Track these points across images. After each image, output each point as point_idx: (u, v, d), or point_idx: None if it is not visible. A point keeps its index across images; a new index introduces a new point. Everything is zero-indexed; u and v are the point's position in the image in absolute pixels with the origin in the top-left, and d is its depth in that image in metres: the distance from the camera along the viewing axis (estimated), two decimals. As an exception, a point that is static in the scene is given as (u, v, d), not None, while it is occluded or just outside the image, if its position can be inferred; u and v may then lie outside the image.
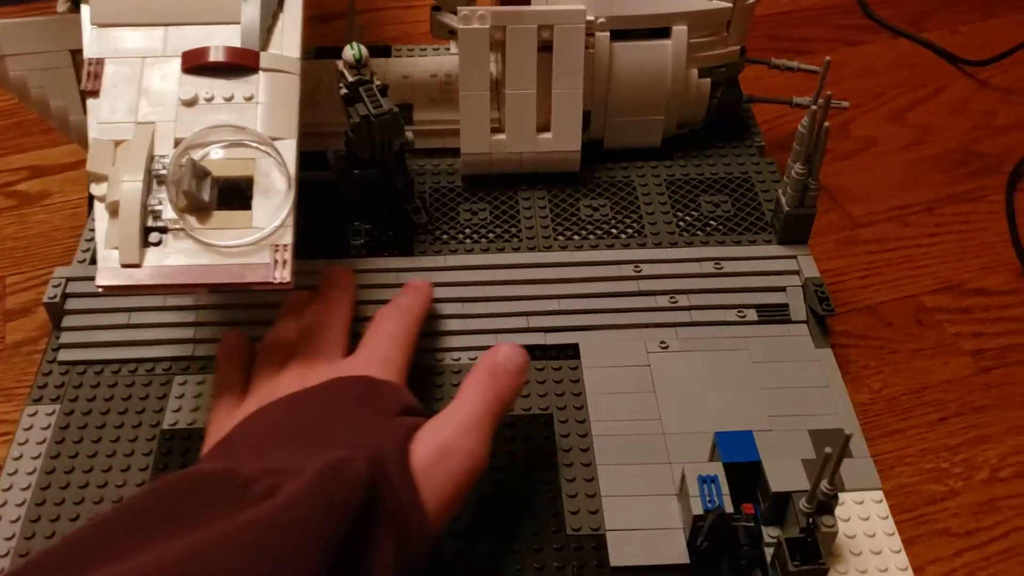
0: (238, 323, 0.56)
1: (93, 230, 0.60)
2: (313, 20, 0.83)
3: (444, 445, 0.42)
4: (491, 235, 0.61)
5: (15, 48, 0.57)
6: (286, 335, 0.51)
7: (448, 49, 0.72)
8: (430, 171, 0.65)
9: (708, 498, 0.46)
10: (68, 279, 0.57)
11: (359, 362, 0.47)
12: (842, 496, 0.49)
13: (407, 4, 0.85)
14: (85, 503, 0.49)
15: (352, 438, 0.41)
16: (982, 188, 0.69)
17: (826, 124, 0.53)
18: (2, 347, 0.59)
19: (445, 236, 0.61)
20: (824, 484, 0.44)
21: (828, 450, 0.43)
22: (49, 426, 0.52)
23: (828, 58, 0.53)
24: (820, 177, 0.56)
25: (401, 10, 0.84)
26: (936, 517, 0.51)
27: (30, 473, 0.50)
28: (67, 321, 0.56)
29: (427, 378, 0.54)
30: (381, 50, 0.74)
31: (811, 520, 0.45)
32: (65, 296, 0.57)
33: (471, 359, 0.55)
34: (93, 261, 0.59)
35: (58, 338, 0.56)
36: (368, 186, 0.59)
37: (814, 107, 0.53)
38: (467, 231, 0.61)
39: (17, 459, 0.51)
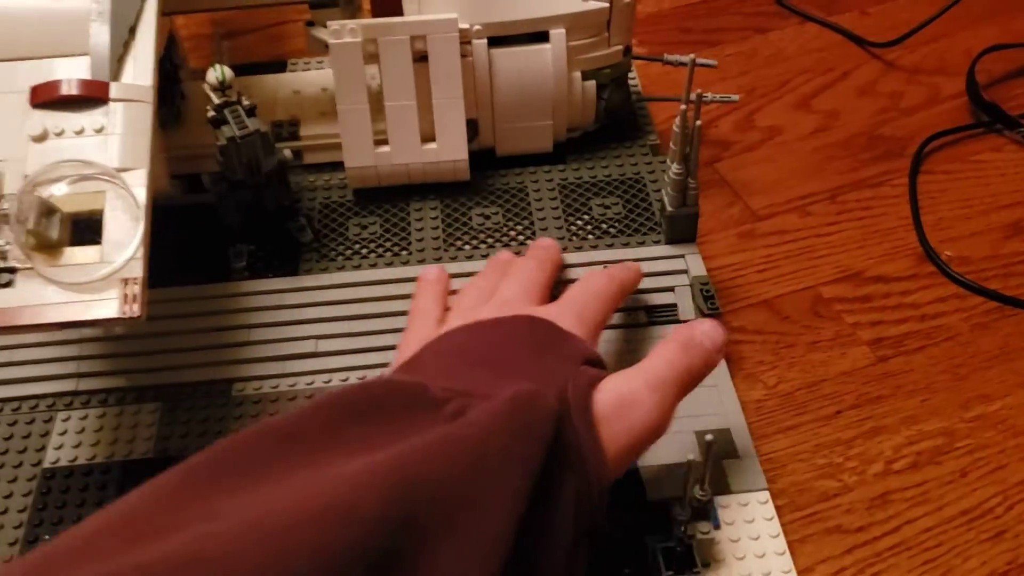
0: (123, 354, 0.55)
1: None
2: (224, 37, 0.82)
3: (627, 396, 0.41)
4: (380, 249, 0.60)
5: None
6: (489, 278, 0.52)
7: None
8: (320, 186, 0.64)
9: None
10: (-54, 320, 0.56)
11: (555, 309, 0.47)
12: (727, 499, 0.48)
13: (293, 19, 0.84)
14: (-39, 548, 0.48)
15: (539, 375, 0.40)
16: (886, 172, 0.69)
17: (698, 123, 0.53)
18: None
19: (333, 253, 0.60)
20: (697, 490, 0.44)
21: (692, 457, 0.42)
22: (-78, 476, 0.52)
23: (692, 55, 0.52)
24: (722, 170, 0.55)
25: (286, 26, 0.83)
26: (828, 515, 0.50)
27: (-94, 522, 0.49)
28: (-59, 362, 0.55)
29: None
30: (277, 66, 0.73)
31: (685, 528, 0.44)
32: (-59, 337, 0.56)
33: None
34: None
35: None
36: (248, 207, 0.58)
37: (683, 107, 0.52)
38: (356, 246, 0.60)
39: None
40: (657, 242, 0.59)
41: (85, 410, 0.54)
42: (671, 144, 0.54)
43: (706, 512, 0.45)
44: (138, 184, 0.46)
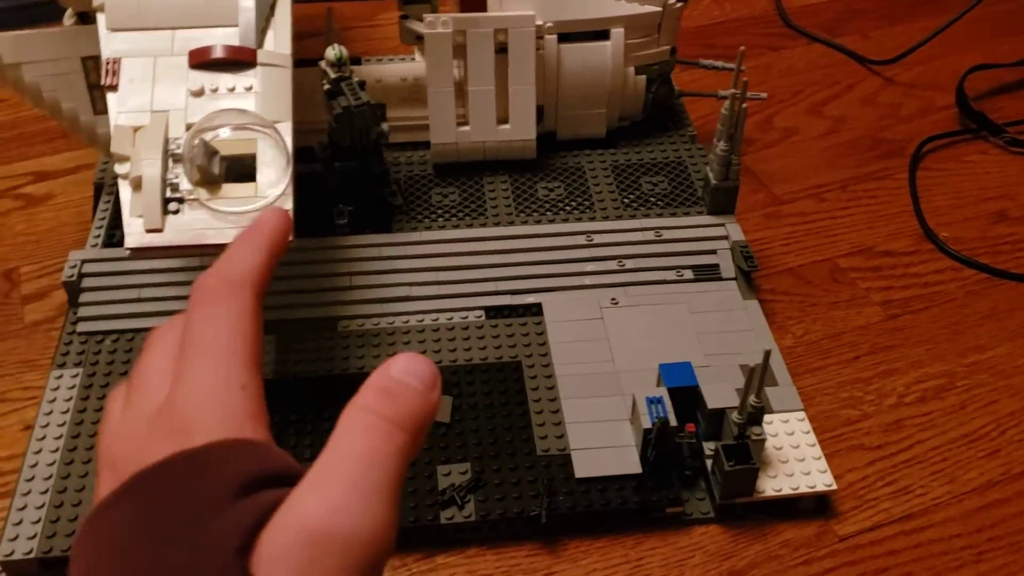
0: (239, 293, 0.63)
1: (103, 219, 0.68)
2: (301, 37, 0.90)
3: (315, 532, 0.26)
4: (460, 214, 0.69)
5: (30, 56, 0.64)
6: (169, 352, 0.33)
7: (413, 58, 0.81)
8: (404, 162, 0.73)
9: (655, 415, 0.54)
10: (83, 260, 0.64)
11: (181, 407, 0.30)
12: (769, 417, 0.57)
13: (373, 23, 0.93)
14: (110, 449, 0.56)
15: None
16: (889, 168, 0.79)
17: (744, 106, 0.62)
18: (22, 326, 0.66)
19: (419, 216, 0.69)
20: (752, 398, 0.53)
21: (751, 365, 0.51)
22: (74, 386, 0.59)
23: (742, 47, 0.62)
24: (747, 163, 0.65)
25: (368, 28, 0.92)
26: (851, 436, 0.59)
27: (60, 425, 0.57)
28: (84, 297, 0.63)
29: (398, 342, 0.62)
30: (352, 60, 0.82)
31: (742, 429, 0.53)
32: (81, 275, 0.63)
33: (448, 319, 0.63)
34: (106, 244, 0.66)
35: (76, 313, 0.63)
36: (349, 173, 0.67)
37: (734, 91, 0.62)
38: (439, 211, 0.69)
39: (48, 415, 0.57)
40: (700, 213, 0.68)
41: (209, 339, 0.62)
42: (718, 125, 0.64)
43: (758, 418, 0.54)
44: (285, 133, 0.55)
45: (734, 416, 0.53)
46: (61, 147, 0.80)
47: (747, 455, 0.53)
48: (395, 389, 0.30)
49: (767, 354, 0.51)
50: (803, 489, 0.54)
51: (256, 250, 0.35)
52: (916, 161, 0.79)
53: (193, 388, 0.30)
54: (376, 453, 0.28)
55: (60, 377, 0.59)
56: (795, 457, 0.56)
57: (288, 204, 0.53)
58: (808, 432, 0.57)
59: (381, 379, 0.31)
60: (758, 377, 0.51)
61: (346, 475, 0.28)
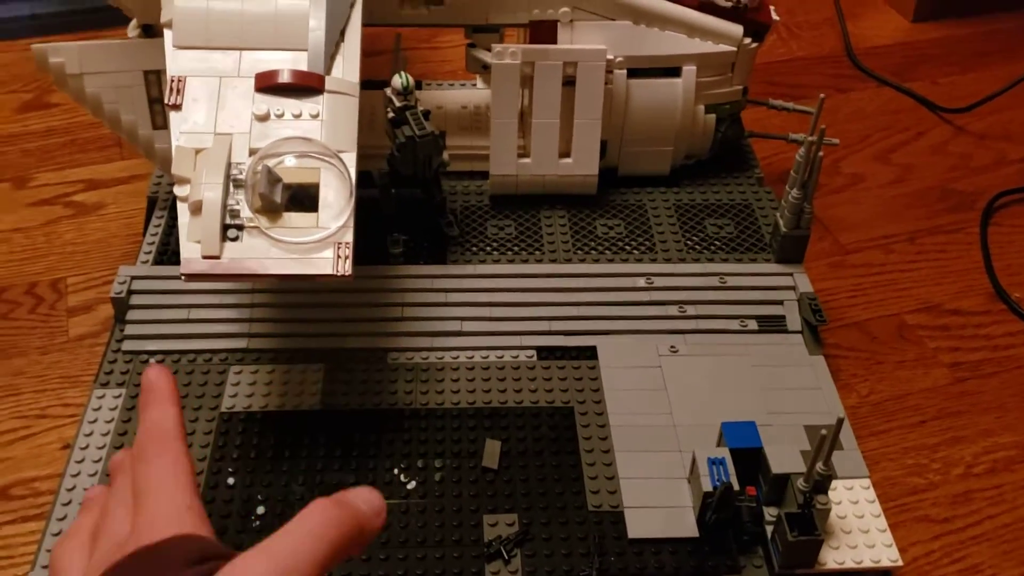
0: (290, 320, 0.62)
1: (155, 235, 0.67)
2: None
3: None
4: (516, 248, 0.67)
5: (92, 67, 0.63)
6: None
7: (475, 84, 0.79)
8: (461, 191, 0.71)
9: (717, 477, 0.52)
10: (132, 277, 0.63)
11: (144, 531, 0.36)
12: (833, 483, 0.55)
13: (433, 46, 0.92)
14: (151, 475, 0.54)
15: None
16: (959, 222, 0.76)
17: (820, 154, 0.60)
18: (66, 340, 0.65)
19: (474, 247, 0.67)
20: (819, 465, 0.50)
21: (823, 431, 0.49)
22: (116, 408, 0.58)
23: (822, 95, 0.60)
24: (814, 209, 0.63)
25: (427, 51, 0.91)
26: (916, 506, 0.57)
27: (100, 448, 0.56)
28: (131, 315, 0.62)
29: (447, 379, 0.60)
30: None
31: (808, 497, 0.51)
32: (130, 292, 0.62)
33: (498, 357, 0.61)
34: (156, 261, 0.65)
35: (122, 330, 0.61)
36: (406, 202, 0.65)
37: (810, 139, 0.60)
38: (494, 244, 0.67)
39: (88, 435, 0.56)
40: (767, 260, 0.66)
41: (256, 365, 0.60)
42: (792, 172, 0.62)
43: (824, 487, 0.51)
44: (349, 164, 0.53)
45: (799, 483, 0.51)
46: (114, 156, 0.79)
47: (811, 525, 0.50)
48: (345, 501, 0.37)
49: (840, 422, 0.49)
50: (867, 563, 0.52)
51: (167, 408, 0.41)
52: (988, 216, 0.76)
53: (152, 518, 0.36)
54: (310, 548, 0.34)
55: (103, 397, 0.58)
56: (859, 528, 0.53)
57: (348, 237, 0.51)
58: (873, 501, 0.54)
59: (339, 495, 0.37)
60: (828, 444, 0.49)
61: (279, 554, 0.34)
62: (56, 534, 0.51)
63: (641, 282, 0.64)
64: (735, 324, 0.63)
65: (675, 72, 0.68)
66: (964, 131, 0.86)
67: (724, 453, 0.53)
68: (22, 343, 0.64)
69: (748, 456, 0.53)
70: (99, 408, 0.58)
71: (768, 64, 0.93)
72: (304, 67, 0.55)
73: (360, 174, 0.64)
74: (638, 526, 0.52)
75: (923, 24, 0.99)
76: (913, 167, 0.82)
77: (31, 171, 0.78)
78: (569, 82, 0.66)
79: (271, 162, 0.52)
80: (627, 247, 0.68)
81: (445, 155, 0.64)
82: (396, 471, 0.55)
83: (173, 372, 0.59)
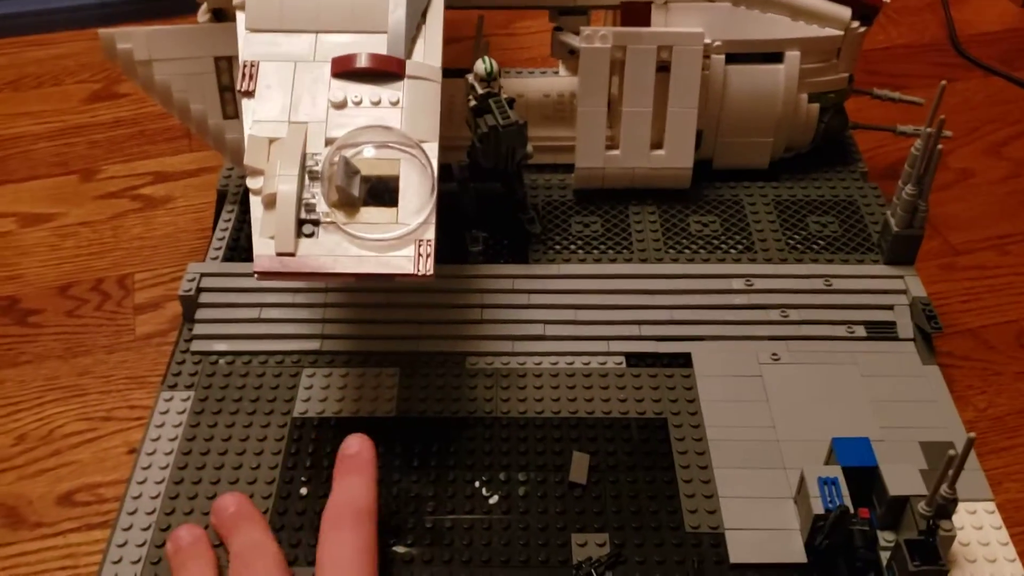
0: (364, 321, 0.59)
1: (226, 230, 0.64)
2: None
3: None
4: (602, 246, 0.63)
5: (162, 54, 0.60)
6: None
7: (556, 72, 0.75)
8: (542, 185, 0.68)
9: (829, 498, 0.47)
10: (202, 274, 0.60)
11: None
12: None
13: (510, 31, 0.88)
14: (221, 483, 0.51)
15: None
16: (1080, 221, 0.70)
17: (939, 147, 0.55)
18: (133, 338, 0.62)
19: (558, 246, 0.63)
20: (944, 488, 0.45)
21: (952, 452, 0.44)
22: (184, 411, 0.55)
23: (943, 82, 0.55)
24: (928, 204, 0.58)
25: (505, 37, 0.87)
26: (1047, 533, 0.52)
27: (168, 454, 0.53)
28: (200, 314, 0.59)
29: (529, 386, 0.56)
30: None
31: (931, 523, 0.46)
32: (199, 290, 0.59)
33: (584, 364, 0.57)
34: (226, 258, 0.62)
35: (191, 329, 0.59)
36: (486, 197, 0.62)
37: (929, 129, 0.55)
38: (579, 242, 0.63)
39: (155, 440, 0.53)
40: (875, 262, 0.61)
41: (329, 368, 0.57)
42: (906, 166, 0.57)
43: (949, 512, 0.46)
44: (431, 155, 0.49)
45: (921, 507, 0.46)
46: (183, 148, 0.77)
47: (935, 554, 0.46)
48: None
49: (970, 442, 0.44)
50: (997, 598, 0.47)
51: (370, 484, 0.45)
52: (1113, 215, 0.70)
53: None
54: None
55: (170, 399, 0.56)
56: (984, 556, 0.48)
57: (430, 234, 0.48)
58: (1000, 528, 0.50)
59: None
60: (957, 466, 0.44)
61: None
62: (121, 544, 0.49)
63: (739, 284, 0.60)
64: (842, 330, 0.58)
65: (777, 58, 0.63)
66: (1083, 123, 0.80)
67: (836, 472, 0.48)
68: (88, 341, 0.62)
69: (861, 475, 0.49)
70: (166, 411, 0.55)
71: (867, 52, 0.86)
72: (383, 51, 0.52)
73: (439, 167, 0.61)
74: (740, 550, 0.48)
75: (1033, 8, 0.93)
76: (1027, 162, 0.76)
77: (99, 163, 0.76)
78: (663, 68, 0.62)
79: (348, 153, 0.49)
80: (723, 246, 0.63)
81: (529, 147, 0.60)
82: (477, 484, 0.51)
83: (243, 375, 0.57)
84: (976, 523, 0.50)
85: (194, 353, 0.58)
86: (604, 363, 0.57)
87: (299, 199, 0.48)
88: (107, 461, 0.55)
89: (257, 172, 0.49)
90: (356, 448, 0.47)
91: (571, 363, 0.58)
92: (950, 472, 0.45)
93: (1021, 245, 0.69)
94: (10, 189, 0.74)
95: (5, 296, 0.65)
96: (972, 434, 0.44)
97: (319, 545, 0.44)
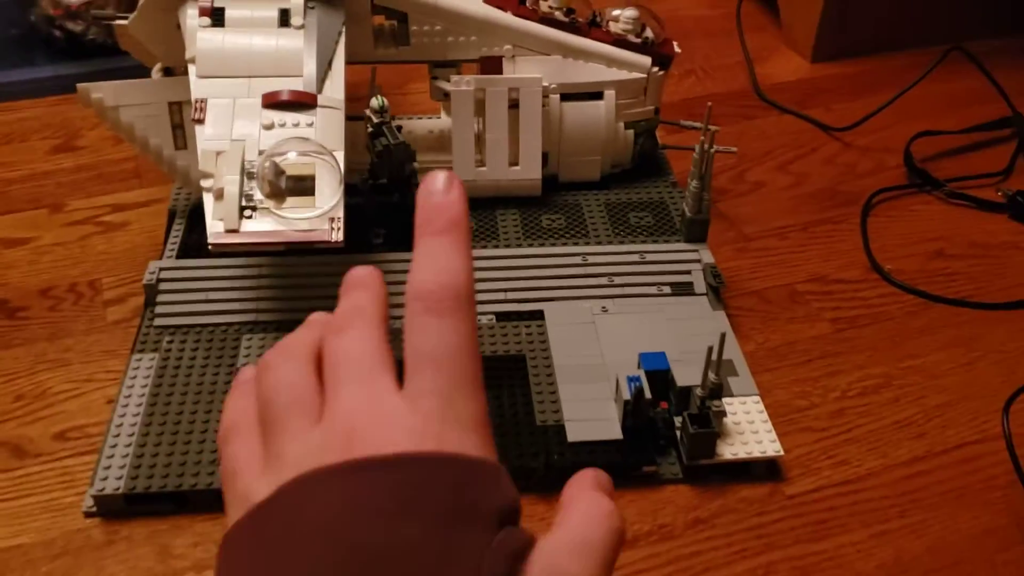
0: (290, 298, 0.76)
1: (177, 237, 0.81)
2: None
3: None
4: (476, 239, 0.82)
5: (126, 101, 0.78)
6: (301, 368, 0.35)
7: (439, 117, 0.95)
8: (428, 198, 0.86)
9: (633, 388, 0.66)
10: (160, 268, 0.76)
11: (425, 410, 0.31)
12: (729, 400, 0.69)
13: (403, 92, 1.07)
14: (181, 427, 0.67)
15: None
16: (844, 214, 0.92)
17: (711, 150, 0.76)
18: (104, 324, 0.78)
19: (441, 240, 0.81)
20: (711, 375, 0.64)
21: (710, 346, 0.63)
22: (151, 368, 0.71)
23: (710, 103, 0.76)
24: (721, 208, 0.78)
25: (400, 96, 1.07)
26: (800, 420, 0.71)
27: (140, 397, 0.69)
28: (160, 298, 0.75)
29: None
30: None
31: (704, 402, 0.65)
32: (158, 280, 0.76)
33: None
34: (179, 256, 0.79)
35: (153, 310, 0.75)
36: (385, 205, 0.80)
37: (702, 137, 0.75)
38: (457, 237, 0.82)
39: (130, 388, 0.69)
40: (678, 241, 0.81)
41: (264, 333, 0.74)
42: (691, 167, 0.77)
43: (717, 393, 0.65)
44: (339, 159, 0.68)
45: (697, 391, 0.65)
46: (135, 185, 0.93)
47: (708, 421, 0.64)
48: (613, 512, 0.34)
49: (723, 336, 0.63)
50: (756, 454, 0.65)
51: (468, 257, 0.35)
52: (868, 209, 0.92)
53: (464, 410, 0.32)
54: (609, 539, 0.32)
55: (140, 360, 0.71)
56: (750, 430, 0.67)
57: (340, 213, 0.66)
58: (762, 412, 0.68)
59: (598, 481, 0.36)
60: (716, 355, 0.63)
61: (591, 542, 0.32)
62: (108, 467, 0.64)
63: (578, 260, 0.79)
64: (653, 290, 0.78)
65: (599, 95, 0.84)
66: (851, 146, 1.02)
67: (640, 374, 0.67)
68: (68, 327, 0.77)
69: (660, 377, 0.67)
70: (137, 368, 0.71)
71: (688, 100, 1.09)
72: (300, 87, 0.71)
73: (348, 186, 0.79)
74: (575, 432, 0.66)
75: (821, 64, 1.17)
76: (807, 175, 0.98)
77: (65, 199, 0.92)
78: (514, 105, 0.82)
79: (277, 158, 0.67)
80: (566, 235, 0.82)
81: (415, 165, 0.79)
82: (381, 403, 0.69)
83: (196, 341, 0.73)
84: (746, 410, 0.68)
85: (157, 327, 0.74)
86: (479, 320, 0.76)
87: (241, 192, 0.65)
88: (91, 408, 0.70)
89: (208, 175, 0.67)
90: (360, 274, 0.38)
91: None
92: (713, 362, 0.64)
93: (797, 232, 0.89)
94: (-10, 222, 0.89)
95: (-5, 300, 0.80)
96: (724, 331, 0.63)
97: (411, 332, 0.34)
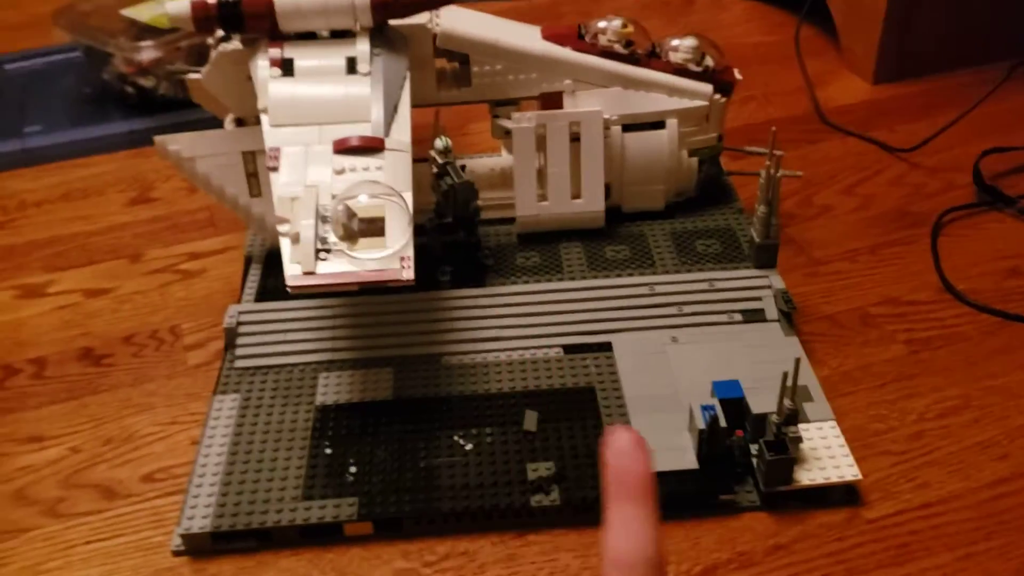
0: (364, 336, 0.77)
1: (254, 282, 0.84)
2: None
3: None
4: (540, 272, 0.83)
5: (202, 152, 0.81)
6: None
7: (500, 155, 0.96)
8: (492, 234, 0.88)
9: (707, 417, 0.65)
10: (240, 312, 0.79)
11: None
12: (805, 425, 0.68)
13: (464, 132, 1.09)
14: (264, 464, 0.68)
15: None
16: (914, 235, 0.91)
17: (779, 174, 0.76)
18: (186, 368, 0.80)
19: (507, 273, 0.83)
20: (786, 401, 0.64)
21: (784, 372, 0.63)
22: (234, 408, 0.73)
23: (773, 128, 0.76)
24: (790, 233, 0.78)
25: (461, 136, 1.09)
26: (878, 444, 0.70)
27: (224, 436, 0.71)
28: (240, 340, 0.78)
29: (491, 371, 0.75)
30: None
31: (780, 427, 0.64)
32: (238, 323, 0.78)
33: (532, 354, 0.76)
34: (257, 299, 0.81)
35: (234, 352, 0.77)
36: (451, 244, 0.82)
37: (768, 163, 0.76)
38: (523, 271, 0.83)
39: (213, 429, 0.71)
40: (747, 267, 0.81)
41: (340, 371, 0.76)
42: (758, 192, 0.77)
43: (793, 419, 0.65)
44: (408, 200, 0.69)
45: (773, 417, 0.65)
46: (210, 233, 0.96)
47: (784, 447, 0.64)
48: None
49: (797, 361, 0.63)
50: (834, 479, 0.65)
51: (658, 527, 0.35)
52: (938, 229, 0.91)
53: None
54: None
55: (222, 402, 0.74)
56: (827, 455, 0.67)
57: (410, 252, 0.67)
58: (839, 436, 0.68)
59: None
60: (791, 381, 0.63)
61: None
62: (194, 506, 0.66)
63: (645, 290, 0.79)
64: (724, 318, 0.78)
65: (661, 125, 0.85)
66: (918, 166, 1.01)
67: (714, 402, 0.67)
68: (151, 372, 0.80)
69: (734, 405, 0.67)
70: (220, 410, 0.73)
71: (749, 125, 1.10)
72: (369, 134, 0.73)
73: (415, 226, 0.81)
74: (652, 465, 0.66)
75: (882, 85, 1.16)
76: (874, 196, 0.97)
77: (143, 249, 0.95)
78: (575, 138, 0.83)
79: (349, 202, 0.69)
80: (632, 265, 0.83)
81: (479, 202, 0.81)
82: (455, 437, 0.70)
83: (275, 380, 0.75)
84: (822, 436, 0.68)
85: (237, 369, 0.76)
86: (547, 353, 0.76)
87: (316, 235, 0.67)
88: (176, 450, 0.73)
89: (285, 220, 0.69)
90: (633, 464, 0.36)
91: (521, 354, 0.76)
92: (788, 388, 0.64)
93: (867, 255, 0.89)
94: (74, 273, 0.93)
95: (81, 347, 0.83)
96: (798, 357, 0.63)
97: None
